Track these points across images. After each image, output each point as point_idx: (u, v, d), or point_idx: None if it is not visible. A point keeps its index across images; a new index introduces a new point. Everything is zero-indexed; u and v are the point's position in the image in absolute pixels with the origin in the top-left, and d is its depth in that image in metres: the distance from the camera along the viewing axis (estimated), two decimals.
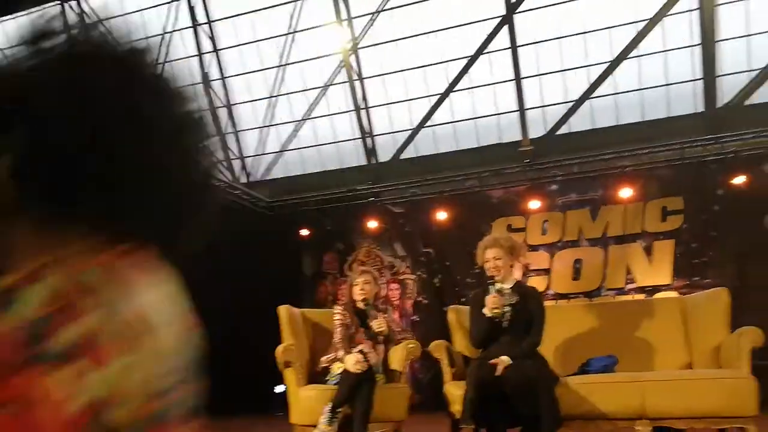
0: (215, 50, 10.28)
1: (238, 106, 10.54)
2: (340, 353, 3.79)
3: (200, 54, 10.26)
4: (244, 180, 10.55)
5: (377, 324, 3.85)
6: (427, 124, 9.51)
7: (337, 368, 3.80)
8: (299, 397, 3.81)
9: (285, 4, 9.75)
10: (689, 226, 7.56)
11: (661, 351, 4.15)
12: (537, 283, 8.12)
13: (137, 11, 9.71)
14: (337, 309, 4.07)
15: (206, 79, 10.33)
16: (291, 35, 9.82)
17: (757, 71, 7.96)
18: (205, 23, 10.16)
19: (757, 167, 7.33)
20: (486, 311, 3.59)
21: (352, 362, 3.58)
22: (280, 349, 3.94)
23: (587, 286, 7.86)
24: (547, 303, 7.51)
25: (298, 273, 9.51)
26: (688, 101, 8.52)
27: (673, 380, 3.66)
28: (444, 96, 9.31)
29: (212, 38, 10.24)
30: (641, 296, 7.28)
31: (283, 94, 10.23)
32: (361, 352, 3.69)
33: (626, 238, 7.82)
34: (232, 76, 10.41)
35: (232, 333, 8.16)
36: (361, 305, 3.97)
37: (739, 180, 7.30)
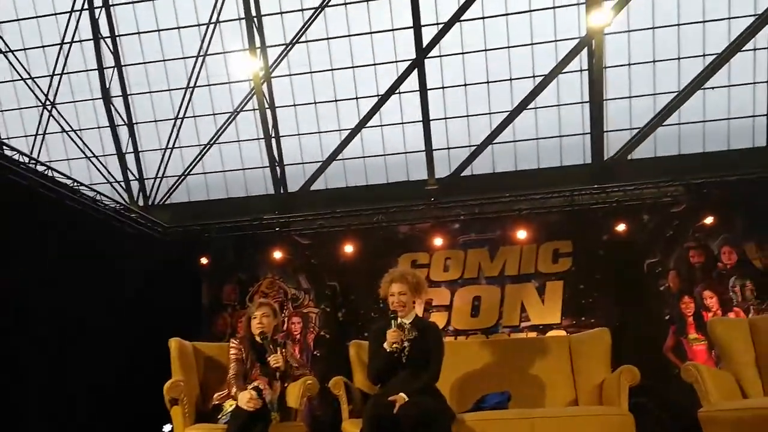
0: (118, 66, 9.80)
1: (140, 125, 10.05)
2: (234, 390, 3.64)
3: (101, 69, 9.74)
4: (141, 203, 10.00)
5: (274, 359, 3.72)
6: (338, 158, 9.57)
7: (229, 405, 3.63)
8: None
9: (197, 26, 9.55)
10: (577, 268, 8.13)
11: (550, 387, 4.36)
12: (438, 318, 8.34)
13: (34, 17, 9.10)
14: (233, 343, 3.90)
15: (107, 96, 9.79)
16: (201, 57, 9.59)
17: (638, 129, 8.84)
18: (108, 37, 9.68)
19: (637, 216, 8.07)
20: (386, 346, 3.58)
21: (245, 399, 3.42)
22: (167, 385, 3.71)
23: (485, 323, 8.16)
24: (446, 339, 7.77)
25: (195, 303, 9.07)
26: (579, 152, 9.27)
27: (560, 417, 3.83)
28: (355, 131, 9.46)
29: (115, 53, 9.77)
30: (534, 334, 7.67)
31: (190, 117, 9.90)
32: (255, 388, 3.55)
33: (521, 277, 8.25)
34: (135, 94, 9.95)
35: (123, 366, 7.59)
36: (258, 339, 3.82)
37: (621, 227, 7.98)
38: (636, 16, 8.80)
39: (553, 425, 3.74)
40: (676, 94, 8.70)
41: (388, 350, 3.58)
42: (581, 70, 9.06)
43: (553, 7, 8.96)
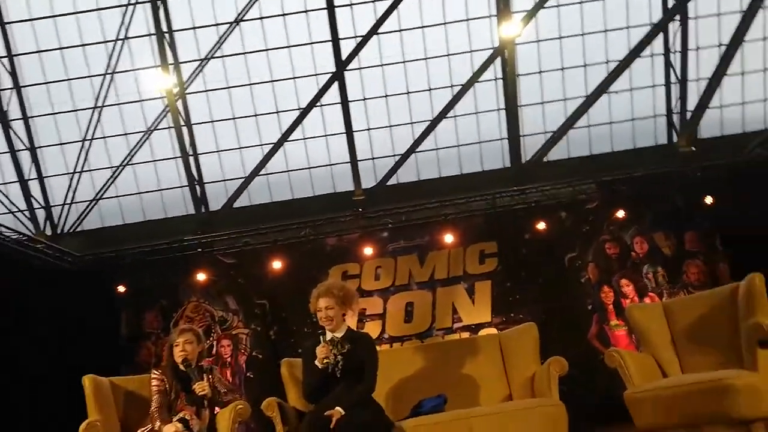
0: (17, 87, 9.18)
1: (44, 149, 9.42)
2: (158, 423, 3.42)
3: None
4: (49, 232, 9.34)
5: (200, 387, 3.53)
6: (260, 173, 9.38)
7: None
8: None
9: (103, 42, 9.13)
10: (503, 267, 8.35)
11: (484, 385, 4.39)
12: (372, 327, 8.28)
13: None
14: (155, 374, 3.66)
15: (5, 119, 9.13)
16: (109, 75, 9.16)
17: (551, 133, 9.26)
18: (5, 57, 9.06)
19: (555, 214, 8.41)
20: (317, 363, 3.50)
21: None
22: (82, 427, 3.46)
23: (419, 328, 8.20)
24: (382, 347, 7.74)
25: (114, 335, 8.51)
26: (498, 157, 9.60)
27: (495, 413, 3.85)
28: (278, 145, 9.32)
29: (13, 74, 9.14)
30: (467, 334, 7.78)
31: (99, 138, 9.41)
32: (181, 420, 3.36)
33: (451, 280, 8.37)
34: (37, 116, 9.34)
35: (34, 407, 7.01)
36: (182, 367, 3.63)
37: (541, 226, 8.29)
38: (544, 27, 9.29)
39: (490, 423, 3.76)
40: (584, 98, 9.19)
41: (320, 367, 3.49)
42: (496, 79, 9.42)
43: (467, 20, 9.29)
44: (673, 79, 9.33)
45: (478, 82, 9.27)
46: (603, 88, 9.08)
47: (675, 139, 9.37)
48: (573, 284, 8.19)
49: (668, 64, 9.35)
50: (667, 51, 9.29)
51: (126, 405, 3.88)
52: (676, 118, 9.37)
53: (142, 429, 3.56)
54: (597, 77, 9.26)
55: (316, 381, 3.56)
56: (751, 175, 7.83)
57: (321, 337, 3.57)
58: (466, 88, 9.22)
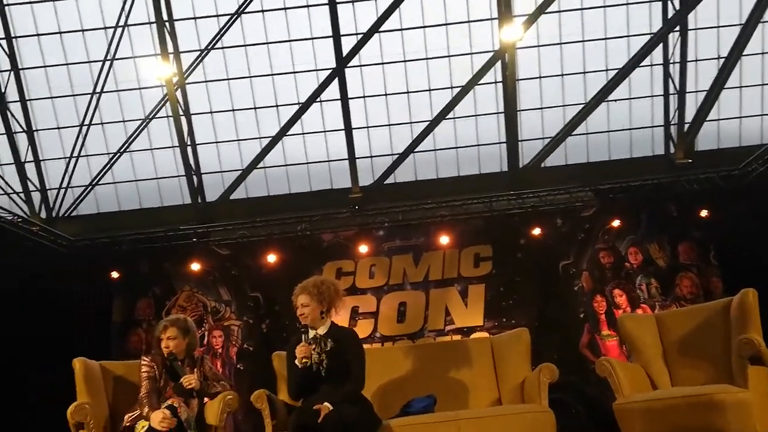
0: (15, 69, 9.09)
1: (41, 132, 9.36)
2: (146, 409, 3.42)
3: None
4: (44, 215, 9.29)
5: (186, 381, 3.54)
6: (258, 166, 9.36)
7: (141, 427, 3.40)
8: None
9: (103, 28, 9.06)
10: (497, 271, 8.40)
11: (474, 389, 4.42)
12: (364, 325, 8.32)
13: None
14: (144, 360, 3.67)
15: (2, 101, 9.05)
16: (109, 62, 9.09)
17: (550, 138, 9.29)
18: (3, 39, 8.98)
19: (551, 220, 8.46)
20: (297, 362, 3.50)
21: (158, 419, 3.23)
22: (70, 408, 3.46)
23: (411, 328, 8.24)
24: (373, 346, 7.76)
25: (106, 320, 8.50)
26: (495, 161, 9.61)
27: (484, 417, 3.87)
28: (276, 139, 9.29)
29: (11, 56, 9.06)
30: (458, 337, 7.82)
31: (97, 124, 9.34)
32: (169, 407, 3.36)
33: (445, 282, 8.42)
34: (35, 99, 9.26)
35: (25, 390, 7.00)
36: (167, 362, 3.64)
37: (537, 231, 8.33)
38: (545, 32, 9.29)
39: (478, 426, 3.79)
40: (583, 105, 9.22)
41: (299, 366, 3.49)
42: (496, 82, 9.42)
43: (468, 21, 9.27)
44: (671, 89, 9.37)
45: (478, 84, 9.27)
46: (602, 96, 9.12)
47: (672, 150, 9.42)
48: (566, 292, 8.24)
49: (667, 75, 9.39)
50: (666, 61, 9.33)
51: (115, 389, 3.89)
52: (673, 129, 9.41)
53: (131, 414, 3.56)
54: (596, 85, 9.30)
55: (298, 380, 3.56)
56: (747, 189, 7.87)
57: (303, 336, 3.56)
58: (465, 90, 9.22)
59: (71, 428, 3.45)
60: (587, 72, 9.44)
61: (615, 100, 9.38)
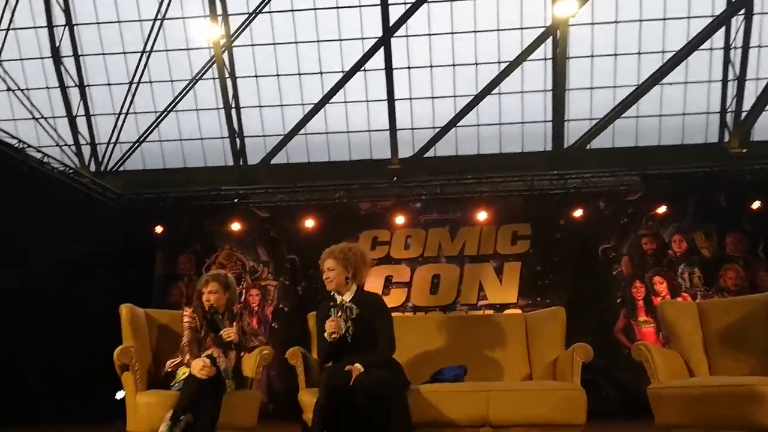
0: (69, 24, 9.30)
1: (92, 88, 9.60)
2: (187, 357, 3.53)
3: (51, 26, 9.22)
4: (93, 169, 9.59)
5: (226, 334, 3.63)
6: (300, 132, 9.42)
7: (182, 373, 3.51)
8: (137, 403, 3.47)
9: None
10: (535, 250, 8.32)
11: (506, 363, 4.38)
12: (397, 295, 8.40)
13: None
14: (187, 311, 3.78)
15: (57, 55, 9.30)
16: (159, 21, 9.20)
17: (597, 120, 9.05)
18: None
19: (594, 203, 8.30)
20: (326, 336, 3.50)
21: (198, 367, 3.32)
22: (117, 350, 3.59)
23: (443, 300, 8.28)
24: (405, 315, 7.82)
25: (149, 273, 8.82)
26: (540, 139, 9.43)
27: (514, 390, 3.82)
28: (319, 106, 9.31)
29: (66, 11, 9.26)
30: (491, 312, 7.81)
31: (146, 82, 9.52)
32: (209, 356, 3.45)
33: (480, 257, 8.38)
34: (87, 55, 9.48)
35: (73, 334, 7.36)
36: (209, 315, 3.74)
37: (578, 213, 8.19)
38: (600, 10, 8.97)
39: (507, 398, 3.76)
40: (635, 87, 8.93)
41: (328, 340, 3.51)
42: (545, 59, 9.18)
43: None
44: (730, 75, 8.98)
45: (526, 60, 9.06)
46: (656, 78, 8.80)
47: (726, 138, 9.06)
48: (604, 275, 8.12)
49: (727, 60, 8.98)
50: (727, 46, 8.91)
51: (159, 336, 3.97)
52: (729, 117, 9.05)
53: (173, 360, 3.68)
54: (651, 67, 8.97)
55: (326, 349, 3.58)
56: None
57: (332, 310, 3.56)
58: (513, 65, 9.02)
59: (117, 370, 3.58)
60: (642, 53, 9.11)
61: (670, 84, 9.04)
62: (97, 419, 6.81)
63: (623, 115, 9.00)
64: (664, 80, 8.86)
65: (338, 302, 3.60)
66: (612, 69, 9.25)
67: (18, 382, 6.72)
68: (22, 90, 9.34)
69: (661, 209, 8.08)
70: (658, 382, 3.80)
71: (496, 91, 9.22)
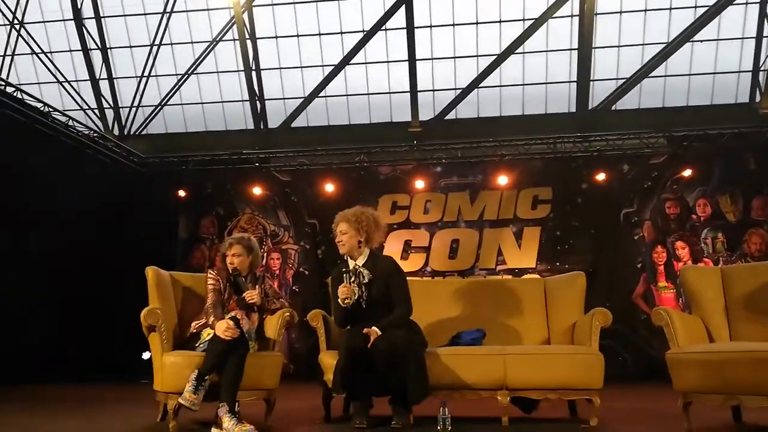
0: None
1: (114, 50, 9.61)
2: (211, 319, 3.61)
3: None
4: (117, 132, 9.69)
5: (249, 296, 3.70)
6: (320, 94, 9.35)
7: (206, 334, 3.61)
8: (164, 363, 3.56)
9: None
10: (555, 215, 8.23)
11: (524, 327, 4.39)
12: (416, 259, 8.44)
13: None
14: (211, 273, 3.85)
15: (78, 17, 9.29)
16: None
17: (623, 80, 8.80)
18: None
19: (617, 166, 8.14)
20: (339, 302, 3.51)
21: (222, 328, 3.40)
22: (144, 312, 3.68)
23: (462, 265, 8.29)
24: (423, 279, 7.88)
25: (172, 235, 8.99)
26: (563, 101, 9.22)
27: (531, 354, 3.85)
28: (339, 67, 9.20)
29: None
30: (509, 277, 7.81)
31: (167, 44, 9.50)
32: (233, 318, 3.54)
33: (500, 222, 8.34)
34: (109, 16, 9.46)
35: (99, 296, 7.58)
36: (232, 277, 3.81)
37: (601, 176, 8.06)
38: None
39: (525, 362, 3.78)
40: (664, 45, 8.63)
41: (342, 306, 3.56)
42: (572, 16, 8.89)
43: None
44: (766, 32, 8.61)
45: (552, 18, 8.78)
46: (687, 35, 8.47)
47: (758, 98, 8.76)
48: (625, 240, 8.02)
49: (763, 15, 8.59)
50: (763, 0, 8.53)
51: (183, 298, 4.04)
52: (762, 75, 8.72)
53: (197, 321, 3.77)
54: (681, 23, 8.63)
55: (342, 313, 3.63)
56: None
57: (344, 275, 3.57)
58: (538, 23, 8.76)
59: (144, 331, 3.68)
60: (673, 8, 8.75)
61: (701, 41, 8.70)
62: (124, 379, 7.06)
63: (651, 75, 8.73)
64: (695, 37, 8.53)
65: (351, 267, 3.61)
66: (641, 25, 8.93)
67: (46, 343, 6.97)
68: (45, 53, 9.39)
69: (687, 172, 7.90)
70: (678, 347, 3.79)
71: (519, 50, 8.99)
